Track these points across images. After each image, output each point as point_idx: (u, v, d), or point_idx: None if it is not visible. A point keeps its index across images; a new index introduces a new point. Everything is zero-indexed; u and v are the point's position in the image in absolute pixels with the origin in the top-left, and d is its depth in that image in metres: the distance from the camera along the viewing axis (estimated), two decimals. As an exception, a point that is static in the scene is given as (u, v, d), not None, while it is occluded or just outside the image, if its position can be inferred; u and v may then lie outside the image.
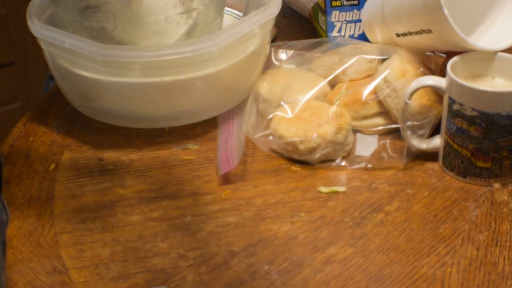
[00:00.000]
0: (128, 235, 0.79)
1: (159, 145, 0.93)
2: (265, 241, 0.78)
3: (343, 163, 0.88)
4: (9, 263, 0.75)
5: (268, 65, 1.00)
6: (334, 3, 1.04)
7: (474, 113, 0.81)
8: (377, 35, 0.98)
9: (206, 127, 0.95)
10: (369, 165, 0.87)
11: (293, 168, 0.88)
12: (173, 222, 0.80)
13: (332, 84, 0.95)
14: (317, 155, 0.87)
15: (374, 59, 0.95)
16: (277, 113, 0.90)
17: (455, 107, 0.82)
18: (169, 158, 0.90)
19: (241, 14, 1.03)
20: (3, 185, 0.54)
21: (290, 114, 0.89)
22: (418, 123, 0.87)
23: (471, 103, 0.81)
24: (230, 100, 0.95)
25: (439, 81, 0.84)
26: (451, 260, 0.74)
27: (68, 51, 0.87)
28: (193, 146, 0.92)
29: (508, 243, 0.76)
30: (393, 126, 0.90)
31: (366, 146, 0.91)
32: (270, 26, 0.94)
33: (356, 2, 1.04)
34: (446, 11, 0.82)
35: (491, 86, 0.85)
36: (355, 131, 0.92)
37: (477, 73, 0.87)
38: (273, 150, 0.90)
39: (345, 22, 1.06)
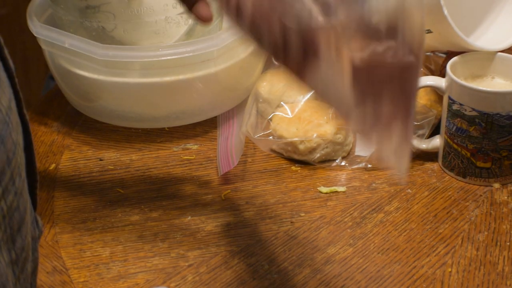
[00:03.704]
0: (128, 235, 0.79)
1: (159, 145, 0.93)
2: (265, 241, 0.78)
3: (343, 163, 0.88)
4: (9, 263, 0.75)
5: (268, 65, 0.99)
6: (334, 3, 1.04)
7: (474, 113, 0.81)
8: (377, 35, 0.97)
9: (206, 127, 0.95)
10: (369, 165, 0.87)
11: (293, 168, 0.88)
12: (173, 222, 0.80)
13: (332, 84, 0.95)
14: (317, 155, 0.87)
15: (374, 59, 0.95)
16: (277, 113, 0.90)
17: (455, 107, 0.82)
18: (169, 158, 0.90)
19: (241, 14, 1.03)
20: (37, 202, 0.55)
21: (290, 114, 0.89)
22: (418, 123, 0.87)
23: (470, 103, 0.81)
24: (230, 100, 0.95)
25: (438, 81, 0.84)
26: (450, 260, 0.74)
27: (68, 51, 0.87)
28: (193, 146, 0.92)
29: (508, 243, 0.76)
30: (393, 126, 0.90)
31: (366, 146, 0.91)
32: (270, 26, 0.94)
33: (356, 2, 1.04)
34: (446, 11, 0.82)
35: (490, 86, 0.85)
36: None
37: (477, 73, 0.87)
38: (273, 150, 0.90)
39: (345, 22, 1.05)
